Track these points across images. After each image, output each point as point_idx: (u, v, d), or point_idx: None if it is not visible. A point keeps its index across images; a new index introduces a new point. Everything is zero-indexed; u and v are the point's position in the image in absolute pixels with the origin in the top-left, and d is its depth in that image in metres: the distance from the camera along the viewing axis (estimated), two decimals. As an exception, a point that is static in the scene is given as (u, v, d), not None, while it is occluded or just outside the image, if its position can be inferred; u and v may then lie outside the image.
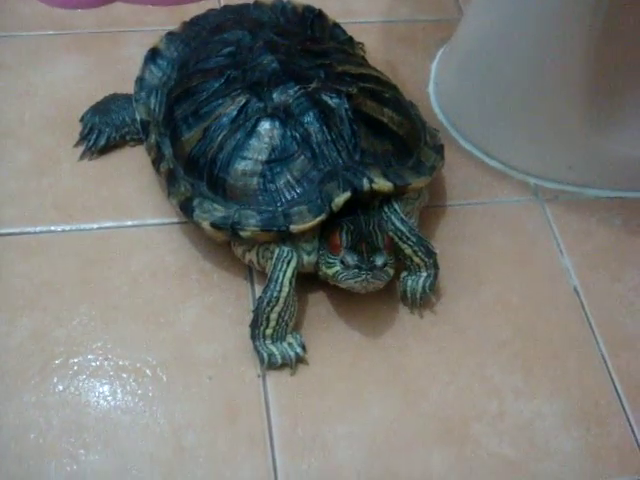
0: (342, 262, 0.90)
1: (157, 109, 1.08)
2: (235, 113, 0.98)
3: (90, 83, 1.21)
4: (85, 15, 1.33)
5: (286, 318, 0.93)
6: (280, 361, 0.92)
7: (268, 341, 0.93)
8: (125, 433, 0.88)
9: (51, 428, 0.88)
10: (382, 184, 0.94)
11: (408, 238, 0.96)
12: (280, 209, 0.93)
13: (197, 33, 1.15)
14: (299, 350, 0.93)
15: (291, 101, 0.97)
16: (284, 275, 0.93)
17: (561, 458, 0.89)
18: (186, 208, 0.97)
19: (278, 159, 0.95)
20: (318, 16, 1.20)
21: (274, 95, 0.98)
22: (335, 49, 1.11)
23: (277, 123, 0.96)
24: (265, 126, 0.96)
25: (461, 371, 0.95)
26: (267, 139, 0.96)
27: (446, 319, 0.99)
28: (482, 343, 0.97)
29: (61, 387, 0.91)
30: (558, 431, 0.91)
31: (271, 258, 0.94)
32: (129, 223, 1.05)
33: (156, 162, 1.03)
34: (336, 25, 1.21)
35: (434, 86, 1.26)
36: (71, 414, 0.89)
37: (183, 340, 0.95)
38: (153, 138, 1.05)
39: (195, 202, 0.97)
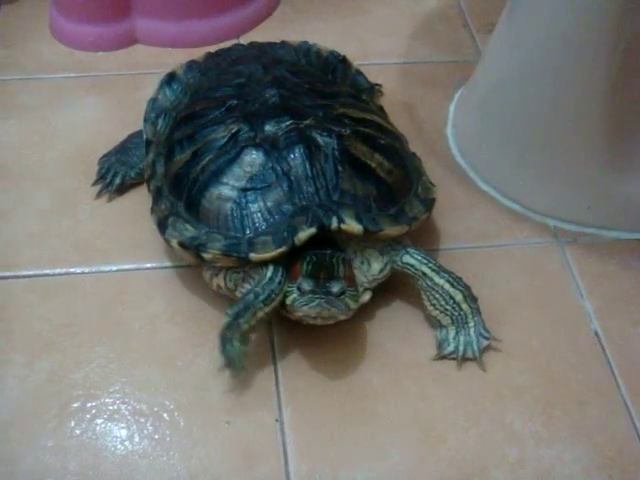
0: (298, 288, 0.89)
1: (163, 130, 1.10)
2: (225, 140, 0.99)
3: (110, 125, 1.22)
4: (106, 57, 1.34)
5: (253, 323, 0.93)
6: (230, 364, 0.92)
7: (237, 337, 0.92)
8: (142, 478, 0.87)
9: (68, 473, 0.88)
10: (352, 225, 0.93)
11: (442, 276, 0.97)
12: (246, 237, 0.94)
13: (217, 64, 1.18)
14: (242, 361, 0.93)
15: (280, 134, 0.98)
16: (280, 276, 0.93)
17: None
18: (161, 225, 0.99)
19: (254, 188, 0.95)
20: (342, 62, 1.20)
21: (266, 127, 0.99)
22: (346, 93, 1.12)
23: (261, 153, 0.97)
24: (248, 154, 0.97)
25: (481, 416, 0.94)
26: (248, 167, 0.96)
27: (465, 363, 0.98)
28: (502, 388, 0.96)
29: (78, 431, 0.91)
30: (579, 478, 0.89)
31: (241, 280, 0.95)
32: (148, 265, 1.05)
33: (148, 180, 1.05)
34: (359, 72, 1.21)
35: (452, 127, 1.26)
36: (88, 458, 0.89)
37: (200, 384, 0.94)
38: (151, 157, 1.07)
39: (170, 220, 0.98)
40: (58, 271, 1.05)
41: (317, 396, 0.94)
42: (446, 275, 0.97)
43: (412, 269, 0.98)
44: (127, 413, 0.92)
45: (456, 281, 0.98)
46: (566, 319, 1.04)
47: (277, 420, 0.92)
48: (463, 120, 1.25)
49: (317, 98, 1.06)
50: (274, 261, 0.93)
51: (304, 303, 0.89)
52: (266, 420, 0.92)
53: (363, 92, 1.18)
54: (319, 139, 0.98)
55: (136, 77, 1.31)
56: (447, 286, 0.97)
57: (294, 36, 1.32)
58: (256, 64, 1.13)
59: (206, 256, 0.94)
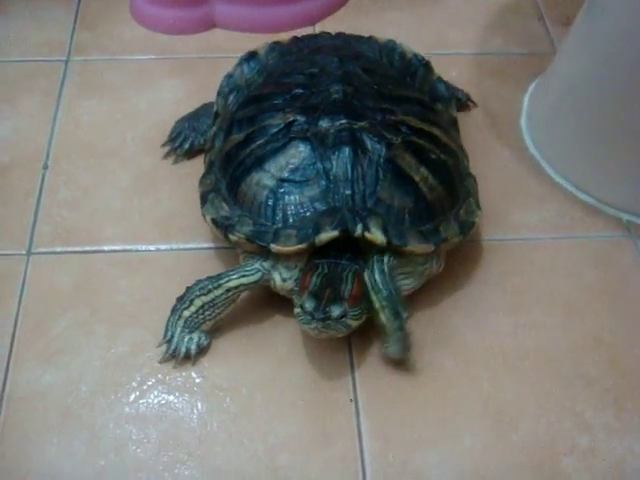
0: (301, 306, 0.90)
1: (231, 106, 1.11)
2: (279, 127, 1.00)
3: (189, 106, 1.24)
4: (185, 40, 1.37)
5: (207, 314, 0.96)
6: (171, 350, 0.96)
7: (180, 323, 0.96)
8: (220, 450, 0.90)
9: (149, 442, 0.91)
10: (376, 236, 0.93)
11: (379, 291, 0.93)
12: (274, 227, 0.95)
13: (299, 49, 1.19)
14: (193, 347, 0.96)
15: (331, 132, 0.98)
16: (228, 280, 0.95)
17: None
18: (202, 199, 1.02)
19: (293, 180, 0.96)
20: (424, 66, 1.18)
21: (320, 122, 0.99)
22: (415, 100, 1.09)
23: (307, 147, 0.97)
24: (295, 147, 0.98)
25: (551, 405, 0.95)
26: (292, 159, 0.97)
27: (536, 352, 0.99)
28: (573, 378, 0.97)
29: (159, 402, 0.94)
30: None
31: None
32: (226, 245, 1.07)
33: (206, 152, 1.09)
34: (440, 80, 1.18)
35: (526, 119, 1.27)
36: (169, 429, 0.92)
37: (278, 362, 0.97)
38: (213, 130, 1.10)
39: (210, 196, 1.01)
40: (140, 248, 1.08)
41: (391, 379, 0.96)
42: (378, 279, 0.94)
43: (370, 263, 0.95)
44: (206, 387, 0.95)
45: (377, 287, 0.93)
46: (637, 313, 1.04)
47: (352, 400, 0.94)
48: (537, 112, 1.26)
49: (381, 101, 1.04)
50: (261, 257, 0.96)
51: (304, 322, 0.90)
52: (341, 400, 0.94)
53: (440, 101, 1.15)
54: (368, 143, 0.98)
55: (214, 60, 1.33)
56: (369, 288, 0.93)
57: (369, 25, 1.35)
58: (333, 56, 1.12)
59: (232, 238, 0.97)
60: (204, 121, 1.17)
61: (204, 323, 0.97)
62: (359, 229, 0.92)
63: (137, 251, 1.07)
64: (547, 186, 1.18)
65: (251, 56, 1.18)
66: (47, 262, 1.06)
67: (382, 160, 0.97)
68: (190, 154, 1.18)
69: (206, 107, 1.19)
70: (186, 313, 0.96)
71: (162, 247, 1.08)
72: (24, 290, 1.03)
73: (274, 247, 0.93)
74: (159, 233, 1.09)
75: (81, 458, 0.89)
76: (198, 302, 0.95)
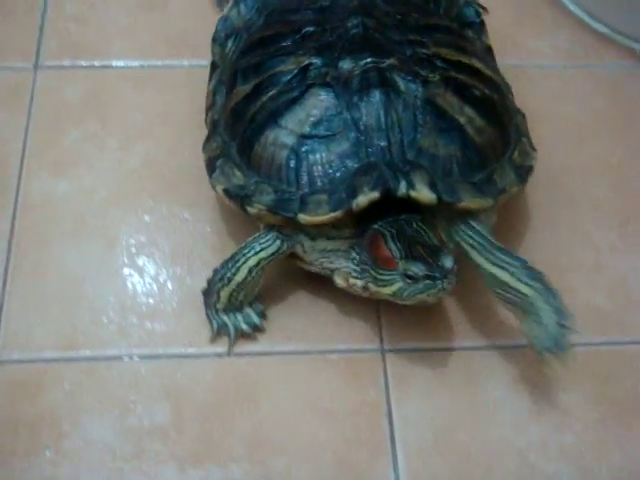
0: (407, 276, 0.77)
1: (231, 54, 0.97)
2: (293, 74, 0.86)
3: None
4: None
5: (240, 298, 0.86)
6: (233, 332, 0.86)
7: (221, 313, 0.87)
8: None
9: (161, 250, 0.92)
10: (423, 194, 0.79)
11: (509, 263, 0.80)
12: (300, 193, 0.81)
13: None
14: (256, 320, 0.87)
15: (357, 73, 0.84)
16: (245, 261, 0.83)
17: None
18: (209, 166, 0.88)
19: (316, 136, 0.82)
20: None
21: (342, 63, 0.85)
22: (445, 28, 0.95)
23: (329, 94, 0.83)
24: (315, 95, 0.83)
25: (558, 225, 0.96)
26: (312, 110, 0.83)
27: (544, 173, 0.98)
28: (579, 200, 0.99)
29: (171, 213, 0.95)
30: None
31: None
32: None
33: (207, 110, 0.94)
34: (468, 2, 1.03)
35: (541, -55, 1.24)
36: (179, 239, 0.93)
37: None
38: (213, 84, 0.96)
39: (219, 162, 0.87)
40: (149, 63, 1.06)
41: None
42: (507, 265, 0.81)
43: (466, 251, 0.83)
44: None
45: (520, 270, 0.81)
46: (646, 141, 1.06)
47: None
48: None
49: (408, 32, 0.90)
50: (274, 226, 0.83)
51: (421, 291, 0.77)
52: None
53: (470, 27, 1.01)
54: (400, 84, 0.84)
55: None
56: (508, 278, 0.81)
57: None
58: None
59: (251, 210, 0.83)
60: None
61: (244, 303, 0.87)
62: (402, 187, 0.78)
63: (147, 67, 1.06)
64: (560, 14, 1.17)
65: None
66: (55, 76, 1.05)
67: (419, 102, 0.83)
68: None
69: None
70: (220, 305, 0.86)
71: (172, 63, 1.07)
72: (33, 103, 1.02)
73: (303, 217, 0.80)
74: (169, 49, 1.08)
75: (96, 263, 0.91)
76: (224, 293, 0.85)
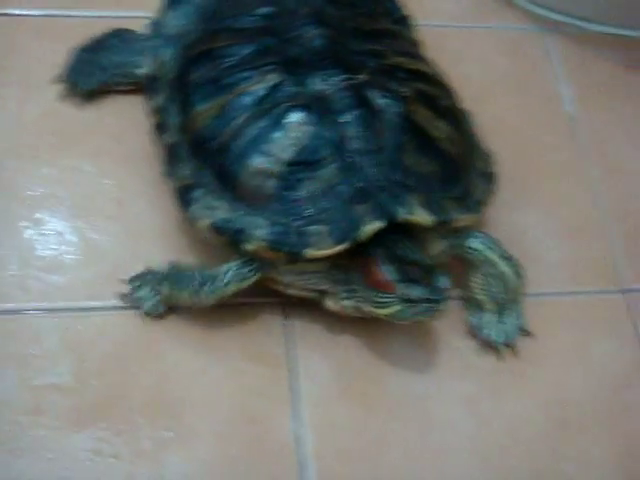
0: (404, 300, 0.76)
1: (170, 64, 0.90)
2: (262, 93, 0.81)
3: None
4: None
5: (180, 301, 0.83)
6: (149, 309, 0.84)
7: (153, 291, 0.83)
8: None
9: (62, 204, 0.91)
10: (422, 217, 0.78)
11: (518, 272, 0.86)
12: (295, 224, 0.78)
13: None
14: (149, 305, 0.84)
15: (332, 92, 0.81)
16: (223, 292, 0.80)
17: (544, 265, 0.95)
18: (184, 198, 0.82)
19: (304, 162, 0.79)
20: None
21: (313, 81, 0.82)
22: (390, 33, 0.93)
23: (310, 117, 0.80)
24: (296, 118, 0.80)
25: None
26: (295, 135, 0.79)
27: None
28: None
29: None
30: (547, 241, 0.97)
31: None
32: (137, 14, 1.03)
33: (159, 130, 0.88)
34: None
35: None
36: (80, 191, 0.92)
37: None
38: (160, 100, 0.89)
39: (197, 193, 0.81)
40: (50, 12, 1.03)
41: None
42: (511, 262, 0.86)
43: (476, 254, 0.85)
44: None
45: (518, 269, 0.86)
46: (543, 102, 1.09)
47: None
48: None
49: (364, 41, 0.87)
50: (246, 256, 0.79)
51: (420, 312, 0.77)
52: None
53: (398, 24, 0.98)
54: (377, 102, 0.81)
55: None
56: (509, 273, 0.86)
57: None
58: None
59: (248, 246, 0.78)
60: (116, 56, 0.97)
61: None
62: (402, 212, 0.77)
63: (48, 16, 1.03)
64: (464, -25, 1.18)
65: None
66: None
67: (399, 120, 0.81)
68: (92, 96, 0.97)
69: (117, 36, 0.98)
70: (164, 291, 0.82)
71: (73, 13, 1.04)
72: None
73: (309, 252, 0.76)
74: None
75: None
76: (183, 294, 0.81)
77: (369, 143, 0.79)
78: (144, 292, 0.84)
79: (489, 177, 0.88)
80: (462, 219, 0.82)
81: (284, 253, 0.77)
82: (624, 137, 1.08)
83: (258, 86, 0.82)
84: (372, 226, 0.76)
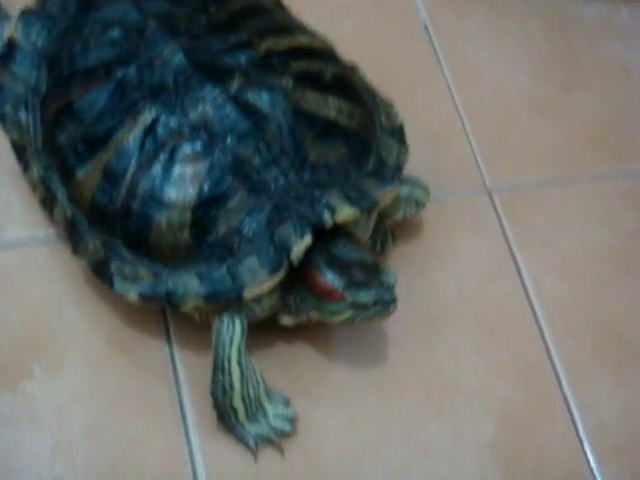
0: (355, 306, 0.73)
1: (32, 128, 0.82)
2: (140, 138, 0.75)
3: None
4: None
5: (252, 394, 0.75)
6: (274, 437, 0.75)
7: (247, 425, 0.75)
8: None
9: None
10: (347, 212, 0.74)
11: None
12: (224, 267, 0.73)
13: (61, 8, 0.87)
14: (289, 413, 0.77)
15: (212, 113, 0.75)
16: (229, 360, 0.74)
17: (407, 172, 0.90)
18: (103, 275, 0.76)
19: (210, 200, 0.73)
20: None
21: (187, 105, 0.76)
22: (247, 11, 0.85)
23: (200, 150, 0.74)
24: (185, 156, 0.74)
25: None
26: (191, 174, 0.74)
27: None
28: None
29: None
30: (410, 147, 0.89)
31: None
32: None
33: (47, 205, 0.81)
34: None
35: None
36: None
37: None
38: (36, 172, 0.81)
39: (113, 267, 0.75)
40: None
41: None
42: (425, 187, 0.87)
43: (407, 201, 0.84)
44: None
45: (428, 189, 0.87)
46: (397, 11, 1.10)
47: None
48: None
49: (224, 34, 0.81)
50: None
51: (373, 315, 0.74)
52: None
53: None
54: (260, 103, 0.76)
55: None
56: (423, 195, 0.86)
57: None
58: (120, 1, 0.84)
59: (186, 307, 0.74)
60: None
61: (260, 399, 0.75)
62: (326, 216, 0.73)
63: None
64: None
65: (11, 48, 0.85)
66: None
67: (288, 116, 0.77)
68: None
69: None
70: (242, 416, 0.75)
71: None
72: None
73: (249, 292, 0.72)
74: None
75: None
76: (236, 402, 0.74)
77: (268, 153, 0.75)
78: (251, 433, 0.75)
79: (399, 132, 0.85)
80: (386, 195, 0.78)
81: (223, 301, 0.73)
82: (479, 43, 1.10)
83: (132, 132, 0.75)
84: (302, 244, 0.72)
